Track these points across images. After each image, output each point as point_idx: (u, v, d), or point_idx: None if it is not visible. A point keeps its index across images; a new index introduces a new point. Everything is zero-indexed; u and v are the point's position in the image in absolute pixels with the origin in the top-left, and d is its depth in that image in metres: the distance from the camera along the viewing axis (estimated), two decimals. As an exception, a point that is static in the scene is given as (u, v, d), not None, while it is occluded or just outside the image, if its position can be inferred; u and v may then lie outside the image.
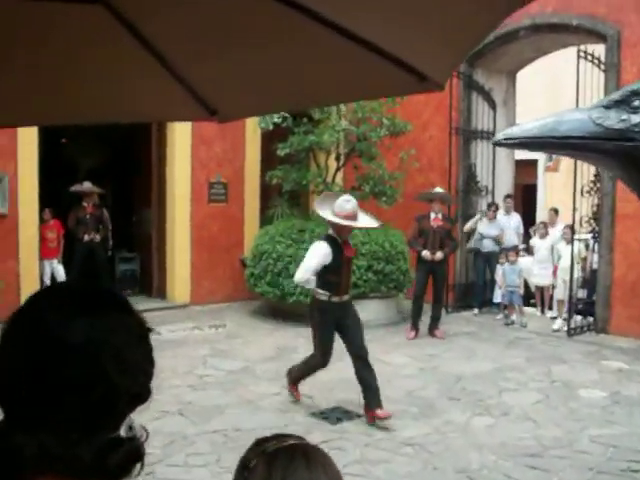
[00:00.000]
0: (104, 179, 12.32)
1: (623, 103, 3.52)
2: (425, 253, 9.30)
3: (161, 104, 2.88)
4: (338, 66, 2.22)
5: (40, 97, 2.57)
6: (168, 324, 9.75)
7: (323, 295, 6.06)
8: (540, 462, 5.15)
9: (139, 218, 12.27)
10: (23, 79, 2.40)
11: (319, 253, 6.00)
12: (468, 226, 11.13)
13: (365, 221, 6.25)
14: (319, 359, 6.30)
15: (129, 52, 2.34)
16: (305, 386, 6.90)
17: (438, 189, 9.84)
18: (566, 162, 18.71)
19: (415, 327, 9.58)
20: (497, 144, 3.66)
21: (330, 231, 6.19)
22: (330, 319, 6.15)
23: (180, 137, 11.17)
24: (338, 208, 5.90)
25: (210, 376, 7.26)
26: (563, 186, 18.66)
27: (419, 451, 5.33)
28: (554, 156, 19.59)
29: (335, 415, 6.13)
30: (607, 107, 3.55)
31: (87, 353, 0.98)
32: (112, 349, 1.01)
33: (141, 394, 1.07)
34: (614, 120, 3.50)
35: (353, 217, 5.95)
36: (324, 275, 6.00)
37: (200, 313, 10.84)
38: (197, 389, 6.80)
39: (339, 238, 6.07)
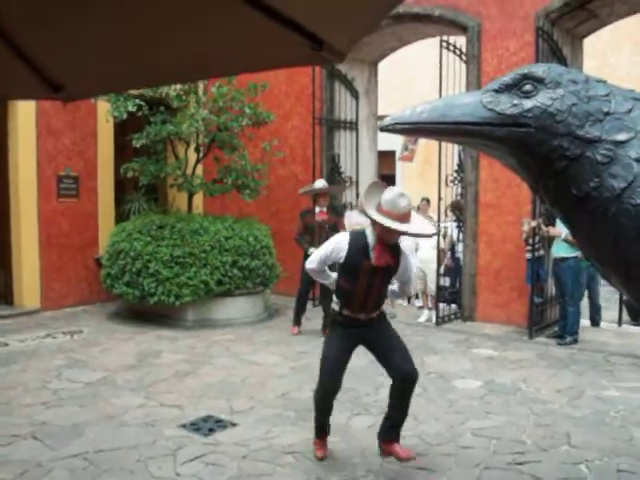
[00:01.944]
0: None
1: (514, 87, 3.32)
2: (312, 250, 8.98)
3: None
4: (222, 32, 1.83)
5: None
6: (16, 333, 8.96)
7: (335, 303, 4.89)
8: (426, 461, 4.95)
9: (-20, 217, 11.26)
10: None
11: (332, 242, 4.84)
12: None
13: (419, 225, 4.72)
14: (320, 382, 4.93)
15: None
16: (172, 394, 6.44)
17: (319, 182, 9.50)
18: (421, 152, 19.07)
19: (298, 323, 9.34)
20: (385, 130, 3.37)
21: (368, 228, 4.75)
22: (341, 332, 4.87)
23: (24, 127, 10.27)
24: (388, 205, 4.48)
25: (66, 390, 6.60)
26: (419, 176, 19.02)
27: (301, 460, 5.00)
28: (409, 146, 19.90)
29: (207, 426, 5.69)
30: (498, 91, 3.34)
31: None
32: None
33: None
34: (506, 105, 3.29)
35: (405, 218, 4.53)
36: (339, 277, 4.84)
37: (52, 319, 10.04)
38: (52, 406, 6.13)
39: (374, 239, 4.66)
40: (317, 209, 9.17)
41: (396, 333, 4.96)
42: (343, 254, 4.69)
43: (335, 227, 9.15)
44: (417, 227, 4.65)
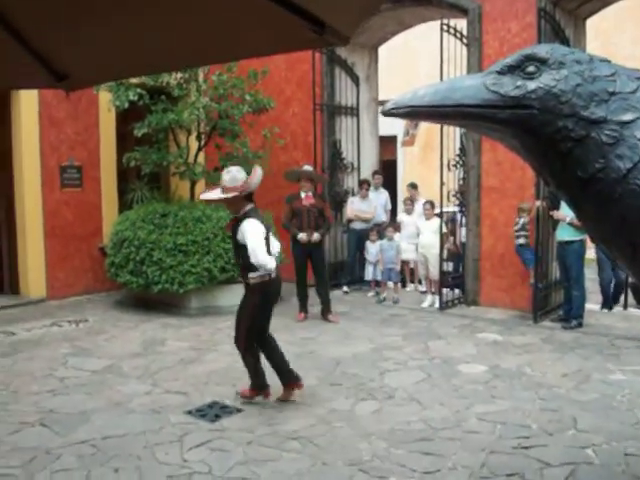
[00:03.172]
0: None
1: (517, 68, 3.29)
2: (301, 236, 8.97)
3: (1, 69, 2.39)
4: (223, 17, 1.82)
5: None
6: (23, 322, 9.01)
7: None
8: (432, 446, 4.96)
9: (-17, 208, 11.25)
10: None
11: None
12: None
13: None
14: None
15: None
16: (178, 382, 6.46)
17: (306, 167, 9.53)
18: (422, 137, 19.04)
19: (304, 309, 9.33)
20: (387, 114, 3.35)
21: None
22: None
23: (27, 119, 10.28)
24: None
25: (72, 378, 6.63)
26: (421, 161, 18.98)
27: (306, 445, 5.02)
28: (410, 130, 19.85)
29: (213, 412, 5.71)
30: (501, 73, 3.31)
31: None
32: None
33: None
34: (509, 87, 3.26)
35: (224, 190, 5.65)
36: None
37: (58, 308, 10.07)
38: (59, 394, 6.16)
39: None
40: (302, 194, 9.14)
41: (246, 304, 5.81)
42: None
43: (322, 212, 9.14)
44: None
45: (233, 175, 5.60)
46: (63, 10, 1.87)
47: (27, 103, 10.20)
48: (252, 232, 5.53)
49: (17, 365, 7.11)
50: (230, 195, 5.55)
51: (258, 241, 5.51)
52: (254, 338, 5.85)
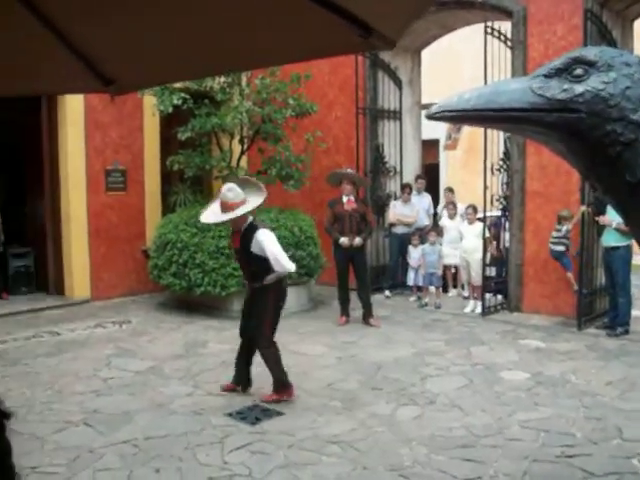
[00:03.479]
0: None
1: (564, 71, 3.24)
2: (343, 240, 8.96)
3: (50, 74, 2.43)
4: (270, 21, 1.82)
5: None
6: (67, 322, 9.14)
7: None
8: (473, 453, 4.91)
9: (32, 210, 11.44)
10: None
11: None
12: None
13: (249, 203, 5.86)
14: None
15: (12, 16, 1.90)
16: (219, 384, 6.49)
17: (348, 170, 9.52)
18: (465, 141, 18.87)
19: (345, 313, 9.30)
20: (432, 117, 3.32)
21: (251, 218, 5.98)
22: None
23: (73, 123, 10.46)
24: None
25: (116, 378, 6.72)
26: (463, 165, 18.82)
27: (346, 449, 5.00)
28: (452, 134, 19.70)
29: (254, 414, 5.73)
30: (548, 76, 3.26)
31: None
32: None
33: None
34: (556, 90, 3.21)
35: (225, 209, 5.75)
36: None
37: (102, 309, 10.21)
38: (102, 394, 6.24)
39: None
40: (344, 198, 9.13)
41: (263, 302, 5.98)
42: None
43: (363, 216, 9.12)
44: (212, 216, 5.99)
45: (237, 192, 5.73)
46: (112, 14, 1.89)
47: (73, 108, 10.38)
48: (270, 241, 5.78)
49: (62, 365, 7.21)
50: (241, 211, 5.71)
51: (279, 249, 5.79)
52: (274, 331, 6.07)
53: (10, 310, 9.90)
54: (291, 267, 5.83)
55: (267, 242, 5.73)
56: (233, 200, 5.69)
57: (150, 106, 10.36)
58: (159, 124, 11.33)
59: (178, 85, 9.51)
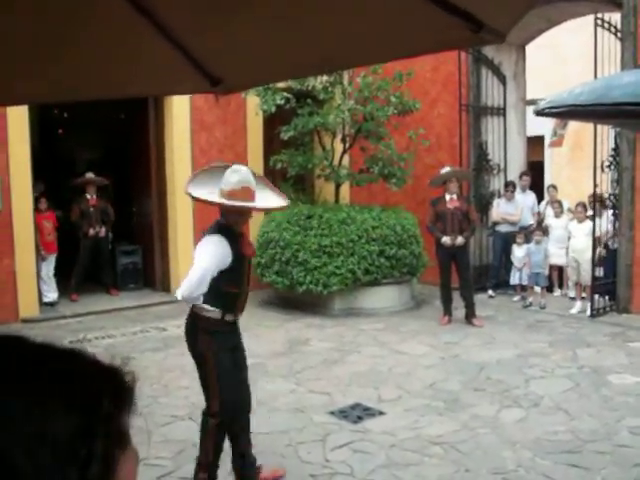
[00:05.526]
0: (103, 170, 11.86)
1: (680, 64, 3.11)
2: (445, 240, 8.86)
3: (161, 76, 2.51)
4: (372, 16, 1.82)
5: (35, 71, 2.22)
6: (173, 319, 9.38)
7: (213, 313, 4.11)
8: (579, 459, 4.77)
9: (139, 209, 11.84)
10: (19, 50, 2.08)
11: (211, 254, 3.97)
12: None
13: (268, 200, 4.26)
14: (225, 414, 4.29)
15: (124, 19, 1.97)
16: (321, 381, 6.54)
17: (447, 168, 9.39)
18: (571, 137, 18.30)
19: (448, 313, 9.21)
20: (540, 113, 3.25)
21: (221, 219, 4.22)
22: (226, 347, 4.26)
23: (179, 124, 10.77)
24: (226, 184, 4.03)
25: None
26: (569, 162, 18.26)
27: (448, 451, 4.96)
28: (558, 131, 19.15)
29: (355, 413, 5.75)
30: (662, 69, 3.14)
31: None
32: None
33: None
34: (672, 83, 3.09)
35: (246, 195, 4.02)
36: (221, 286, 4.01)
37: (207, 305, 10.44)
38: (207, 389, 6.41)
39: (235, 229, 4.16)
40: (447, 196, 9.02)
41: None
42: (230, 258, 3.99)
43: (466, 215, 8.97)
44: (265, 202, 4.22)
45: (254, 183, 4.16)
46: (221, 14, 1.92)
47: (180, 108, 10.68)
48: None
49: (168, 360, 7.43)
50: (254, 205, 4.20)
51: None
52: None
53: (119, 306, 10.29)
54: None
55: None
56: (253, 188, 4.10)
57: (253, 106, 10.54)
58: (262, 124, 11.51)
59: (281, 85, 9.64)
